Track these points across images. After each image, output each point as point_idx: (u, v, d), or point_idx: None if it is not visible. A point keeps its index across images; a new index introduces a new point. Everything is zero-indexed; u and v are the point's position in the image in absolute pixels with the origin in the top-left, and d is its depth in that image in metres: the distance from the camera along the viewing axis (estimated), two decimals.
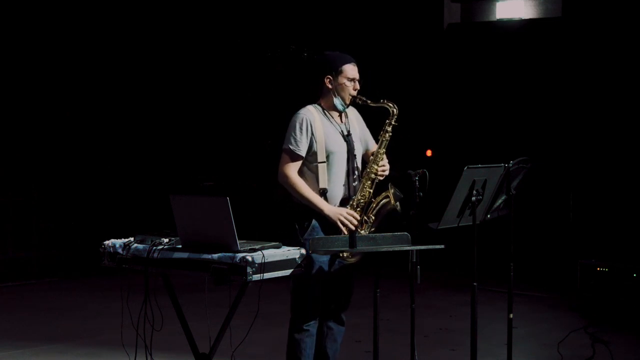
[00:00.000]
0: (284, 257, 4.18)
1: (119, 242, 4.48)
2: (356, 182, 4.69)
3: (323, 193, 4.60)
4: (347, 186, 4.67)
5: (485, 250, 5.37)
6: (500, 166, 4.70)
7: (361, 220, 4.61)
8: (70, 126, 9.85)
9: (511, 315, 4.97)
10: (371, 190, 4.65)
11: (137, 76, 10.25)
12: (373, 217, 4.62)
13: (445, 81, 10.17)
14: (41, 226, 9.66)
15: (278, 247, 4.26)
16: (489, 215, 4.87)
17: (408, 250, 4.33)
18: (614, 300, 7.33)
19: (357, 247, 4.21)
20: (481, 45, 10.01)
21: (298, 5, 10.62)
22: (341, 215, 4.56)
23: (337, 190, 4.64)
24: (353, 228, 4.55)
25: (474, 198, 4.55)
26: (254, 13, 10.75)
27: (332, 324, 4.75)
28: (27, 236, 9.58)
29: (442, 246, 4.25)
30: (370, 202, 4.64)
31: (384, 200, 4.60)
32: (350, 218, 4.56)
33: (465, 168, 4.47)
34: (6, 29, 9.32)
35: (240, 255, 4.00)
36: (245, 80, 10.74)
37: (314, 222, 4.59)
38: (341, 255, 4.55)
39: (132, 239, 4.47)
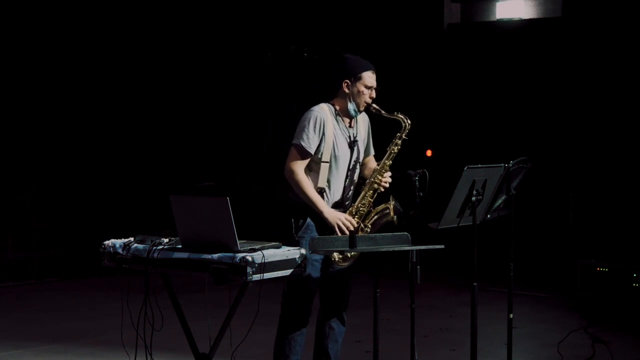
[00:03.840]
0: (284, 257, 4.18)
1: (119, 242, 4.48)
2: (352, 190, 4.70)
3: (320, 192, 4.59)
4: (343, 192, 4.67)
5: (485, 250, 5.37)
6: (500, 166, 4.70)
7: (358, 227, 4.61)
8: (70, 126, 9.84)
9: (511, 315, 4.97)
10: (372, 200, 4.66)
11: (137, 76, 10.25)
12: (370, 227, 4.63)
13: (445, 81, 10.16)
14: (40, 226, 9.66)
15: (278, 247, 4.26)
16: (489, 216, 4.87)
17: (408, 250, 4.33)
18: (614, 300, 7.33)
19: (357, 247, 4.21)
20: (481, 45, 10.00)
21: (298, 6, 10.62)
22: (340, 220, 4.55)
23: (333, 193, 4.64)
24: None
25: (474, 198, 4.55)
26: (254, 13, 10.74)
27: (334, 324, 4.75)
28: (27, 236, 9.58)
29: (442, 246, 4.25)
30: (370, 212, 4.65)
31: (384, 212, 4.61)
32: (348, 224, 4.56)
33: (465, 168, 4.47)
34: (6, 29, 9.32)
35: (240, 255, 4.00)
36: (245, 81, 10.73)
37: (309, 220, 4.59)
38: (333, 259, 4.56)
39: (132, 239, 4.47)
